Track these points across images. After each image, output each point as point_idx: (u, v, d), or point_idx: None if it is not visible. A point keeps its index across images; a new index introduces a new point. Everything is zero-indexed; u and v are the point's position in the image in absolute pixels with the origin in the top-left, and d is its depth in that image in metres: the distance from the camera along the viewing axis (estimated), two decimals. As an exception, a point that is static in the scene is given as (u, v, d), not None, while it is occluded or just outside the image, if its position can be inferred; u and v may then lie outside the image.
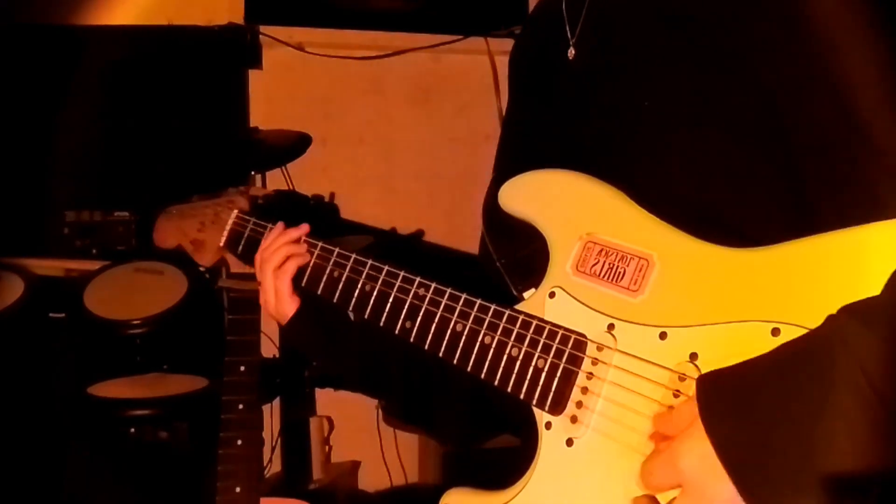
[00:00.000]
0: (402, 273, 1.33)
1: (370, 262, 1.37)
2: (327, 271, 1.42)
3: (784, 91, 1.05)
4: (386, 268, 1.35)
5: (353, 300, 1.37)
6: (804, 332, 0.95)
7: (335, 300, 1.40)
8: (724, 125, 1.09)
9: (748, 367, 0.95)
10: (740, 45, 1.08)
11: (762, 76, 1.06)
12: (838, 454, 0.86)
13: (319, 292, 1.42)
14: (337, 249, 1.42)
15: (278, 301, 1.47)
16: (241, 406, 1.92)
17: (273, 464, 3.24)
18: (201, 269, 2.77)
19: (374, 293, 1.35)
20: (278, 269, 1.45)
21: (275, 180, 3.18)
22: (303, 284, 1.45)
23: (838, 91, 1.01)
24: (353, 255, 1.39)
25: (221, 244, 1.58)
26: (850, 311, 0.90)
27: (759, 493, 0.89)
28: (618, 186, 1.15)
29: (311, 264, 1.44)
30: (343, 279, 1.39)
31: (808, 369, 0.90)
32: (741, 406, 0.93)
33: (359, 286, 1.37)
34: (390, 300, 1.33)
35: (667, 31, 1.16)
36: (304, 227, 1.48)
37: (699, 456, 0.93)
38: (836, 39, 1.01)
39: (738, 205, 1.09)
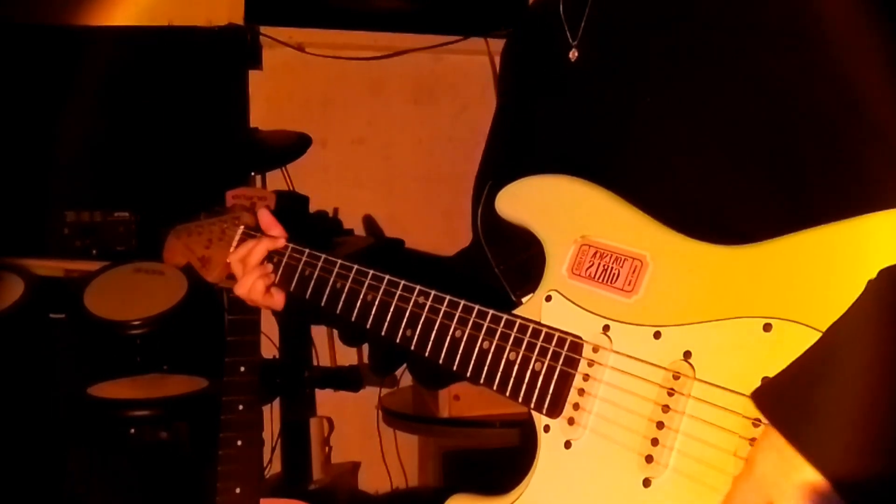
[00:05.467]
0: (402, 282, 1.33)
1: (371, 272, 1.38)
2: (330, 283, 1.43)
3: (785, 86, 1.05)
4: (387, 277, 1.36)
5: (356, 310, 1.38)
6: (796, 326, 0.95)
7: (338, 311, 1.41)
8: (725, 122, 1.10)
9: (798, 361, 0.93)
10: (742, 41, 1.08)
11: (764, 72, 1.06)
12: None
13: (323, 304, 1.43)
14: (339, 261, 1.43)
15: (264, 302, 1.55)
16: (241, 406, 1.93)
17: (273, 464, 3.25)
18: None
19: (376, 303, 1.35)
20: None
21: (275, 181, 3.18)
22: (307, 297, 1.46)
23: (839, 84, 1.01)
24: (355, 266, 1.40)
25: (228, 260, 1.59)
26: (889, 270, 0.88)
27: (843, 474, 0.85)
28: (620, 185, 1.16)
29: (315, 276, 1.45)
30: (346, 290, 1.40)
31: (860, 330, 0.88)
32: (805, 394, 0.90)
33: (361, 296, 1.38)
34: (391, 309, 1.33)
35: (670, 29, 1.16)
36: (280, 242, 1.53)
37: (775, 457, 0.90)
38: (837, 32, 1.01)
39: (738, 202, 1.10)
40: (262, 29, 3.33)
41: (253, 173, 3.11)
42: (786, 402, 0.91)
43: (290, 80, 3.42)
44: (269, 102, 3.37)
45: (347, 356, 3.38)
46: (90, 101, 3.05)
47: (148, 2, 3.18)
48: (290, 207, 2.65)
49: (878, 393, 0.85)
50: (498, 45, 3.46)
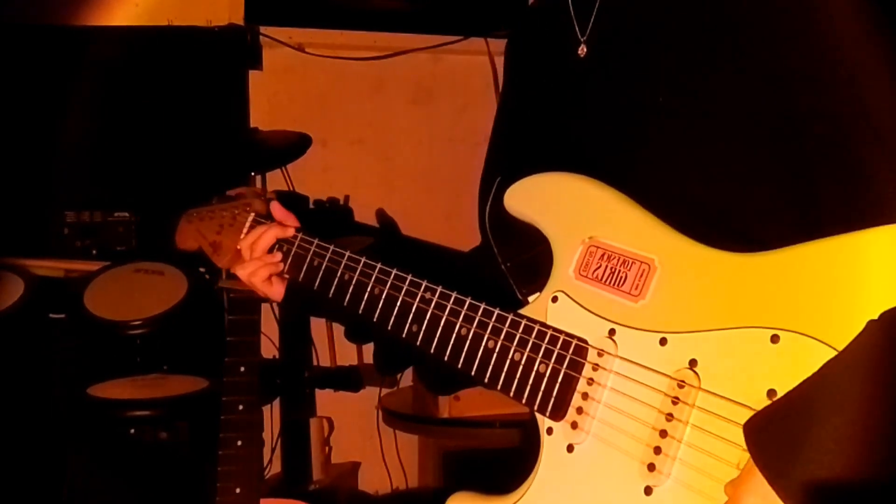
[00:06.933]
0: (409, 276, 1.34)
1: (378, 265, 1.38)
2: (338, 274, 1.43)
3: (799, 87, 1.04)
4: (394, 271, 1.36)
5: (363, 303, 1.39)
6: (804, 339, 0.95)
7: (345, 303, 1.41)
8: (738, 122, 1.09)
9: (790, 397, 0.93)
10: (757, 39, 1.07)
11: (778, 72, 1.05)
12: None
13: (330, 295, 1.44)
14: (347, 253, 1.44)
15: (263, 289, 1.56)
16: (241, 407, 1.92)
17: (273, 464, 3.24)
18: (202, 270, 2.79)
19: (383, 297, 1.36)
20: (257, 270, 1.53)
21: (275, 181, 3.17)
22: (315, 287, 1.46)
23: (853, 87, 1.00)
24: (363, 259, 1.41)
25: (239, 247, 1.60)
26: (890, 313, 0.87)
27: None
28: (629, 184, 1.15)
29: (323, 267, 1.46)
30: (353, 282, 1.41)
31: (857, 377, 0.88)
32: (793, 439, 0.89)
33: (368, 289, 1.38)
34: (398, 304, 1.34)
35: (681, 28, 1.15)
36: (290, 231, 1.53)
37: (761, 499, 0.90)
38: (851, 34, 1.01)
39: (747, 205, 1.09)
40: (262, 29, 3.33)
41: (253, 173, 3.11)
42: (772, 440, 0.91)
43: (290, 80, 3.41)
44: (269, 102, 3.37)
45: (347, 356, 3.38)
46: (90, 101, 3.04)
47: (148, 2, 3.18)
48: (294, 205, 2.66)
49: (868, 439, 0.84)
50: (498, 45, 3.45)
